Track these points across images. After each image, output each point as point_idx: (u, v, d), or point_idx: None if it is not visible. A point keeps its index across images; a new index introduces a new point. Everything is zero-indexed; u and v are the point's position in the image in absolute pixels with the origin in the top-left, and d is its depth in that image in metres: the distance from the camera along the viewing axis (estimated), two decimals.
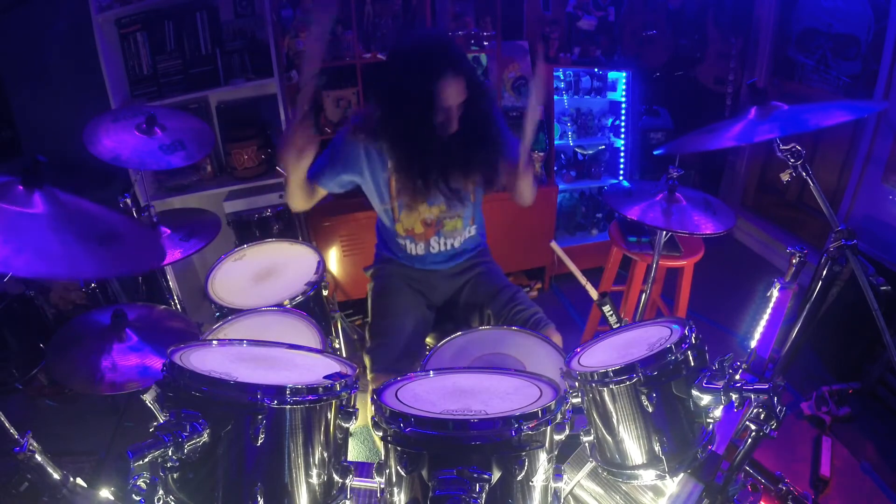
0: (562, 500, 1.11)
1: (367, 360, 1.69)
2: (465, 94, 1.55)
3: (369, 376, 1.66)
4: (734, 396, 1.07)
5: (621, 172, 3.49)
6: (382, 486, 1.04)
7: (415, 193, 1.68)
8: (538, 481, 0.98)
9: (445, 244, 1.85)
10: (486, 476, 0.90)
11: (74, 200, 1.19)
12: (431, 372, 1.16)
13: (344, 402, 1.08)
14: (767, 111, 1.52)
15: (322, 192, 1.80)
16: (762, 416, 1.05)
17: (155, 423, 0.95)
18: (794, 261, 1.69)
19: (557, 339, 1.65)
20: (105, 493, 1.31)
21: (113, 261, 1.12)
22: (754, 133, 1.48)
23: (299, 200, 1.75)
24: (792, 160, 1.50)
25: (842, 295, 1.77)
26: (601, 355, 1.28)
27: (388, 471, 1.02)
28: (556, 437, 1.00)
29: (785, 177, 1.53)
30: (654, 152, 1.76)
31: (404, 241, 1.84)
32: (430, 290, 1.91)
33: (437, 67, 1.50)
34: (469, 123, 1.61)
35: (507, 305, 1.79)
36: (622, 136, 3.42)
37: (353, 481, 1.12)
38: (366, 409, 1.60)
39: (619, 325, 1.69)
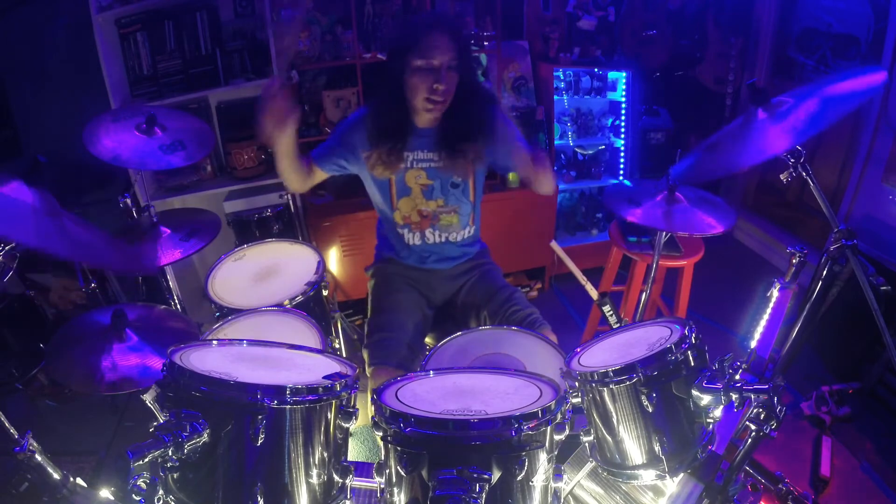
0: (562, 500, 1.11)
1: (364, 354, 1.69)
2: (453, 55, 1.57)
3: (368, 370, 1.65)
4: (734, 396, 1.07)
5: (621, 172, 3.49)
6: (382, 486, 1.04)
7: (387, 164, 1.70)
8: (538, 481, 0.98)
9: (440, 237, 1.85)
10: (486, 476, 0.90)
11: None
12: (431, 372, 1.16)
13: (344, 402, 1.08)
14: (773, 109, 1.50)
15: (320, 175, 1.80)
16: (762, 416, 1.05)
17: (155, 423, 0.95)
18: (794, 261, 1.69)
19: (553, 340, 1.65)
20: (105, 493, 1.31)
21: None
22: (785, 136, 1.43)
23: (292, 177, 1.73)
24: (792, 160, 1.49)
25: (842, 295, 1.77)
26: (601, 355, 1.28)
27: (388, 471, 1.02)
28: (556, 437, 1.00)
29: (785, 177, 1.52)
30: (670, 176, 1.73)
31: (402, 231, 1.84)
32: (430, 290, 1.91)
33: (422, 27, 1.56)
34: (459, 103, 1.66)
35: (504, 306, 1.79)
36: (622, 136, 3.42)
37: (353, 481, 1.12)
38: (366, 409, 1.60)
39: (619, 325, 1.69)
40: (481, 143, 1.72)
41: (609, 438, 1.21)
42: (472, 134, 1.70)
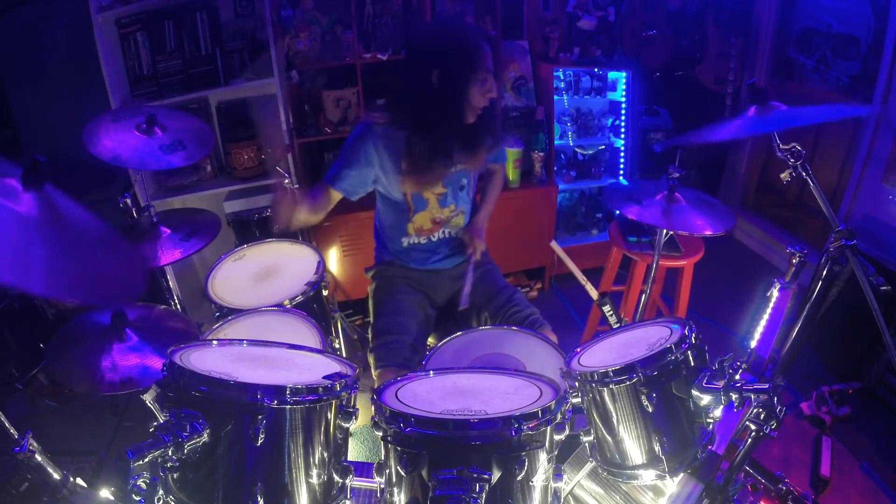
0: (562, 500, 1.11)
1: (370, 359, 1.69)
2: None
3: (374, 374, 1.65)
4: (734, 396, 1.07)
5: (621, 172, 3.49)
6: (382, 486, 1.04)
7: (428, 180, 1.71)
8: (538, 481, 0.98)
9: (445, 233, 1.87)
10: (486, 476, 0.90)
11: (71, 206, 1.16)
12: (431, 372, 1.16)
13: (344, 402, 1.08)
14: (766, 111, 1.52)
15: (335, 199, 1.81)
16: (762, 416, 1.05)
17: (155, 423, 0.95)
18: (794, 261, 1.69)
19: (553, 340, 1.65)
20: (105, 493, 1.32)
21: (91, 283, 1.08)
22: (752, 128, 1.49)
23: (312, 220, 1.84)
24: (792, 160, 1.50)
25: (842, 295, 1.76)
26: (601, 355, 1.28)
27: (388, 471, 1.02)
28: (556, 437, 1.00)
29: (785, 177, 1.52)
30: (655, 147, 1.77)
31: (409, 236, 1.85)
32: (432, 291, 1.92)
33: (482, 59, 1.58)
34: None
35: (504, 306, 1.80)
36: (622, 136, 3.41)
37: (353, 481, 1.12)
38: (366, 409, 1.60)
39: (619, 325, 1.69)
40: (491, 141, 1.78)
41: (609, 438, 1.21)
42: (488, 131, 1.75)
